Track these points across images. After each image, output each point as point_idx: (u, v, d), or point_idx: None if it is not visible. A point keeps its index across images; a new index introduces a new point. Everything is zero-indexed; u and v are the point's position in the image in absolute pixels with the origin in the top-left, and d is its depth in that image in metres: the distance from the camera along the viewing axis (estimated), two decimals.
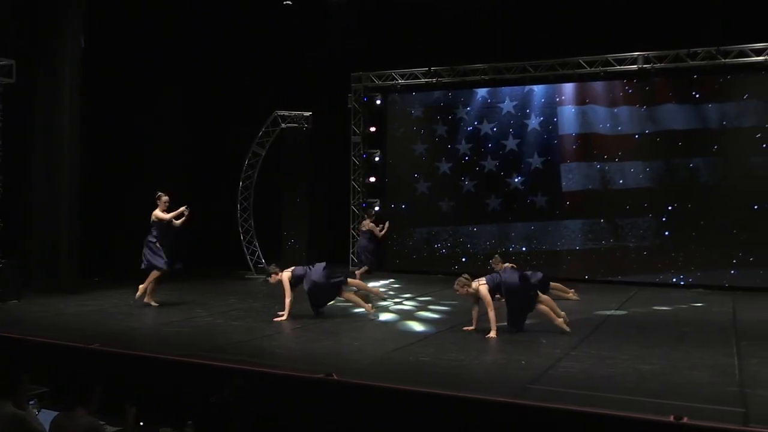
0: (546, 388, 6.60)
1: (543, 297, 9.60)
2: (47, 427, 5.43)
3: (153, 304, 11.13)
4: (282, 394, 6.93)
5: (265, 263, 15.57)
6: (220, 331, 9.38)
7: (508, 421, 6.11)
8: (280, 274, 10.37)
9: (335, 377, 6.78)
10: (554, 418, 5.95)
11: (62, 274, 12.56)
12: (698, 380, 6.91)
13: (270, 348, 8.43)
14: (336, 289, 10.52)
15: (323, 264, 10.62)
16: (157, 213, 11.11)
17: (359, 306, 10.84)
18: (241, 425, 5.95)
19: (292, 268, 10.54)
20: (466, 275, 9.55)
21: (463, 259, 16.31)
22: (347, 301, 10.86)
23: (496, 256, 12.75)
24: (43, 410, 6.37)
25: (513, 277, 9.46)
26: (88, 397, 5.17)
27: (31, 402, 6.47)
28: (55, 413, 5.70)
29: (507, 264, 12.01)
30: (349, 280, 11.00)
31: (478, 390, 6.45)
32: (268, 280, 10.65)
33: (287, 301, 10.19)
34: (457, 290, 9.36)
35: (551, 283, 11.92)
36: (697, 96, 14.37)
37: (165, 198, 11.23)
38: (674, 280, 14.43)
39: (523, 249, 15.79)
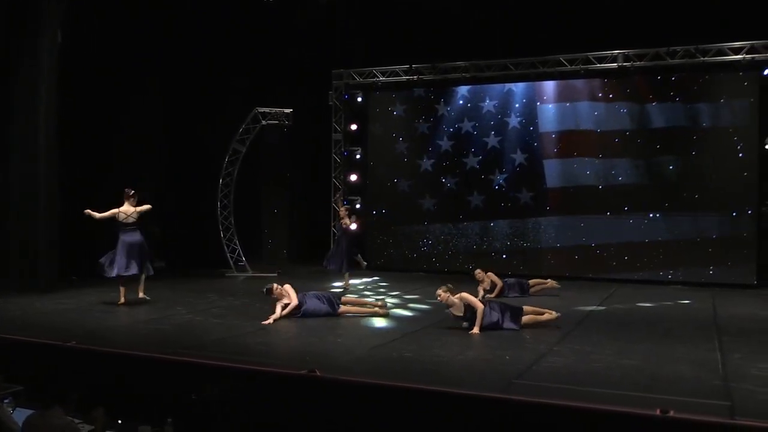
0: (531, 383, 6.56)
1: (526, 309, 9.54)
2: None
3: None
4: (265, 391, 6.82)
5: (246, 261, 15.47)
6: (201, 328, 9.26)
7: (494, 416, 6.05)
8: (279, 287, 10.07)
9: (318, 373, 6.68)
10: (541, 413, 5.91)
11: (39, 273, 12.32)
12: (682, 374, 6.92)
13: (252, 345, 8.29)
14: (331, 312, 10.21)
15: (317, 293, 10.35)
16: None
17: (365, 313, 10.42)
18: (222, 423, 5.86)
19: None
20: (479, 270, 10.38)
21: (446, 257, 16.26)
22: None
23: (478, 270, 12.05)
24: (18, 409, 6.24)
25: (493, 317, 9.30)
26: (66, 397, 5.04)
27: (6, 400, 6.35)
28: (30, 412, 5.58)
29: (489, 274, 11.98)
30: (342, 300, 10.47)
31: (463, 385, 6.41)
32: (271, 296, 10.10)
33: (286, 305, 9.90)
34: (440, 296, 9.25)
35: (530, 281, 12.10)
36: (677, 94, 14.44)
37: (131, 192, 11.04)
38: (654, 277, 14.48)
39: (506, 246, 15.76)
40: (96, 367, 7.58)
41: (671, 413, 5.49)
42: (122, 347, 7.88)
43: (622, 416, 5.67)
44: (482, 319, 9.07)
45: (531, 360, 7.48)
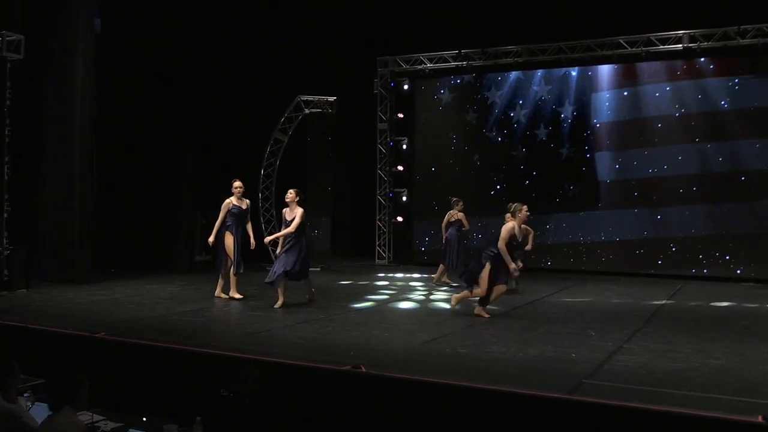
0: (604, 384, 5.95)
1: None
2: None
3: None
4: (302, 388, 6.19)
5: None
6: (237, 321, 8.74)
7: (563, 419, 5.32)
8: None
9: (363, 369, 6.03)
10: (618, 416, 5.22)
11: (74, 264, 11.93)
12: None
13: (290, 338, 7.78)
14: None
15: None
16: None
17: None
18: (254, 421, 5.26)
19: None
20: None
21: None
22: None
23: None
24: (37, 403, 5.75)
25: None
26: (75, 392, 4.49)
27: (25, 395, 5.90)
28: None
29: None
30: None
31: (527, 385, 5.80)
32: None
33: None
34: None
35: None
36: (748, 74, 13.42)
37: (237, 183, 10.47)
38: (723, 273, 13.51)
39: (567, 239, 14.87)
40: (123, 360, 7.05)
41: None
42: (150, 339, 7.31)
43: (717, 423, 4.97)
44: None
45: (601, 358, 6.88)
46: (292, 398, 6.11)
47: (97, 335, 7.49)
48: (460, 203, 12.66)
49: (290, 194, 9.72)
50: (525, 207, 9.44)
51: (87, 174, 12.26)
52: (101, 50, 12.78)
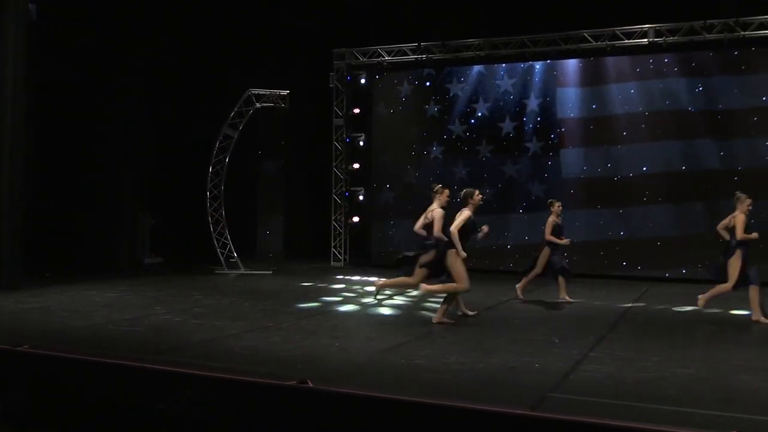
0: (570, 397, 5.65)
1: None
2: None
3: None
4: (240, 407, 5.63)
5: (238, 258, 14.32)
6: (177, 330, 8.20)
7: None
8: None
9: (310, 384, 5.51)
10: None
11: (1, 268, 11.12)
12: (751, 386, 6.03)
13: (234, 350, 7.27)
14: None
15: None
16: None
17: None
18: None
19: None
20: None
21: None
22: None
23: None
24: None
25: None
26: None
27: None
28: None
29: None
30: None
31: (488, 400, 5.43)
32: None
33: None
34: None
35: None
36: (713, 72, 13.30)
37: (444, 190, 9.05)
38: (688, 274, 13.27)
39: (523, 240, 14.49)
40: (47, 374, 6.39)
41: None
42: (80, 352, 6.67)
43: None
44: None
45: (566, 368, 6.56)
46: (227, 418, 5.54)
47: (19, 348, 6.82)
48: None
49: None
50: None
51: (17, 169, 11.46)
52: (34, 36, 12.03)
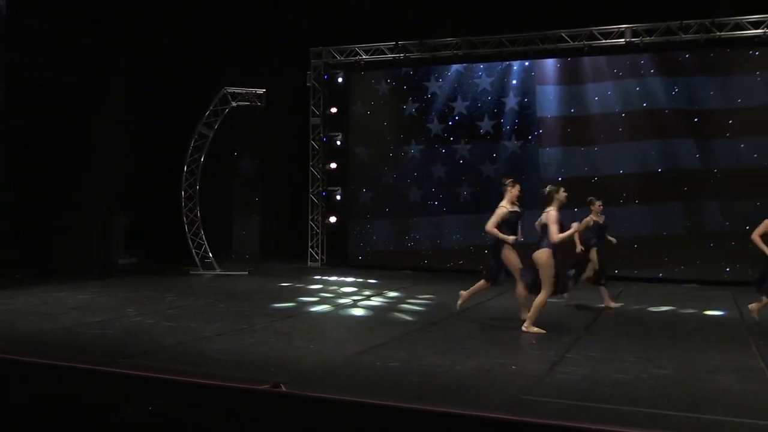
0: (546, 400, 5.61)
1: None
2: None
3: None
4: (214, 411, 5.51)
5: (213, 258, 14.15)
6: (149, 333, 8.05)
7: None
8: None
9: (283, 388, 5.39)
10: None
11: None
12: (727, 387, 6.01)
13: (207, 353, 7.13)
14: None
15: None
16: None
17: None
18: None
19: None
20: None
21: (430, 253, 14.98)
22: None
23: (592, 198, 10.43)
24: None
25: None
26: None
27: None
28: None
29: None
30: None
31: (464, 403, 5.35)
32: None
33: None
34: None
35: None
36: (691, 72, 13.33)
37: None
38: (664, 274, 13.34)
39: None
40: (8, 381, 6.22)
41: None
42: (40, 356, 6.52)
43: None
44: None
45: (542, 370, 6.55)
46: (198, 425, 5.42)
47: None
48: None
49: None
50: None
51: None
52: (11, 37, 11.82)
